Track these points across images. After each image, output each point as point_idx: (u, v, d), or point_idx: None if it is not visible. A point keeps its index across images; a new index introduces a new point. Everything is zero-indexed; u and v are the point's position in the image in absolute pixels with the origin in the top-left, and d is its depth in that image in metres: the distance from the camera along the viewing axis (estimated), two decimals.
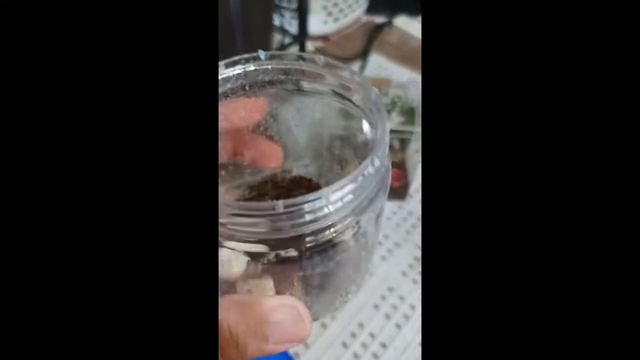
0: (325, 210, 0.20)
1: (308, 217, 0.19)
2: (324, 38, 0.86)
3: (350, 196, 0.20)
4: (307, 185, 0.30)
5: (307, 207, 0.19)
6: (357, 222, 0.23)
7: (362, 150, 0.26)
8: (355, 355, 0.47)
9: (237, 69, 0.24)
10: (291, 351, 0.46)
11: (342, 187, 0.19)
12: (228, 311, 0.18)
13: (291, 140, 0.29)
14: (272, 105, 0.26)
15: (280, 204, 0.18)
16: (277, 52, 0.24)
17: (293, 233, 0.20)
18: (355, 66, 0.75)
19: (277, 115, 0.26)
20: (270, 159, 0.28)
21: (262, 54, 0.24)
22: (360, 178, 0.20)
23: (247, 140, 0.26)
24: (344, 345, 0.47)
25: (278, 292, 0.27)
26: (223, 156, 0.26)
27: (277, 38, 0.79)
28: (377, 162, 0.21)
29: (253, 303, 0.19)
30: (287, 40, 0.79)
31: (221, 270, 0.27)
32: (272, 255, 0.28)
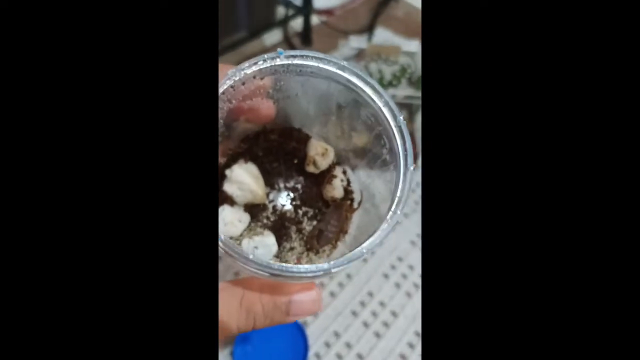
0: None
1: None
2: (329, 12, 0.84)
3: None
4: (297, 137, 0.31)
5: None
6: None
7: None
8: (365, 324, 0.46)
9: (255, 67, 0.24)
10: (300, 320, 0.45)
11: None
12: (261, 290, 0.23)
13: (294, 108, 0.29)
14: (277, 82, 0.26)
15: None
16: (296, 52, 0.24)
17: None
18: (362, 38, 0.73)
19: (281, 87, 0.27)
20: (262, 112, 0.28)
21: (280, 52, 0.24)
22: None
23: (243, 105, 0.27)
24: (354, 313, 0.46)
25: (279, 245, 0.29)
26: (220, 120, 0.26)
27: (280, 10, 0.77)
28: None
29: (282, 287, 0.24)
30: (291, 12, 0.77)
31: (227, 228, 0.28)
32: (270, 211, 0.30)
